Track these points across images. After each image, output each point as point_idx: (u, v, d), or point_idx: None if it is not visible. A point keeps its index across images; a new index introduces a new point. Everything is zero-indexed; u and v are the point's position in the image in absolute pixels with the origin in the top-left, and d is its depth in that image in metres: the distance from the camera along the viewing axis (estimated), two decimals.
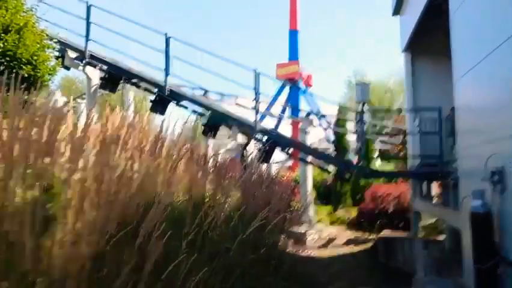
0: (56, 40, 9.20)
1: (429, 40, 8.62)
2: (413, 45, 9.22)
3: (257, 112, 8.87)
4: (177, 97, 9.26)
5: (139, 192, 2.81)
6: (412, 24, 8.38)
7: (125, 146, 3.25)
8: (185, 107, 9.43)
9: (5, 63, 5.94)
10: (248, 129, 8.87)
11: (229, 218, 3.48)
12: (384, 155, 19.24)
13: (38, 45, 6.45)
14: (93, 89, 9.76)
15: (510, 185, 4.06)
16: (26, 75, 6.07)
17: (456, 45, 5.75)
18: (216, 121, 9.17)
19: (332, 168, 9.15)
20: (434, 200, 8.07)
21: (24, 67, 6.05)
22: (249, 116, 9.22)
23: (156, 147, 3.65)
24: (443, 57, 7.24)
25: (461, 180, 5.62)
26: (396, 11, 10.09)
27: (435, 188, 8.62)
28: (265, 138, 8.87)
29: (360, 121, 7.62)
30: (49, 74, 6.69)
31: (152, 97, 9.50)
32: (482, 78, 4.86)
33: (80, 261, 2.48)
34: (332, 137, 17.41)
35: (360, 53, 67.39)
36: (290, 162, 19.15)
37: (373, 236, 9.83)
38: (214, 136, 9.77)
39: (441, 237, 8.64)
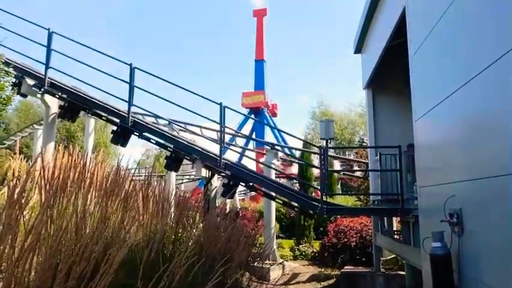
0: (13, 66, 8.89)
1: (390, 78, 8.94)
2: (374, 82, 9.54)
3: (222, 146, 8.76)
4: (140, 128, 9.01)
5: (90, 243, 2.63)
6: (373, 63, 8.66)
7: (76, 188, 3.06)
8: (148, 139, 9.19)
9: None
10: (212, 163, 8.71)
11: (189, 265, 3.32)
12: (347, 188, 19.54)
13: None
14: (51, 117, 9.37)
15: (468, 227, 4.14)
16: None
17: (416, 86, 5.90)
18: (179, 154, 8.96)
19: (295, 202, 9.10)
20: (395, 236, 8.15)
21: None
22: (213, 149, 9.10)
23: (113, 188, 3.47)
24: (403, 95, 7.48)
25: (421, 219, 5.69)
26: (358, 49, 10.45)
27: (396, 223, 8.73)
28: (229, 172, 8.72)
29: (323, 158, 7.67)
30: (3, 104, 6.39)
31: (114, 128, 9.21)
32: (441, 119, 4.96)
33: None
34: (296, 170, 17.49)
35: (324, 85, 69.62)
36: (254, 193, 19.03)
37: (336, 272, 9.78)
38: (176, 170, 9.54)
39: (402, 272, 8.71)
